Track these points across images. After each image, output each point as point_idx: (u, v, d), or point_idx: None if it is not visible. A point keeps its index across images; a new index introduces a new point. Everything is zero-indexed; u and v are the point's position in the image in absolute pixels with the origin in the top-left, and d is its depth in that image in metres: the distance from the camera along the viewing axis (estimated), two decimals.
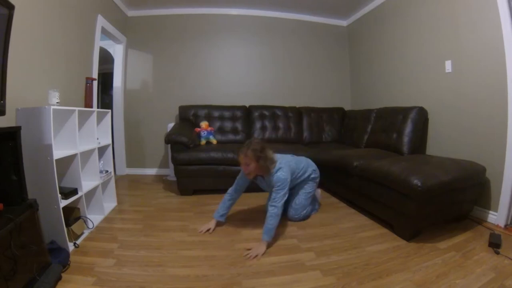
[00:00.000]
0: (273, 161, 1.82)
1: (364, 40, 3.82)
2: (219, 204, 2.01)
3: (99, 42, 2.94)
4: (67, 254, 1.52)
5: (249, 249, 1.62)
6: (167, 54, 3.81)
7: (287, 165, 1.90)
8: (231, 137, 3.49)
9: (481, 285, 1.29)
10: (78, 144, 1.84)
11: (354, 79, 4.14)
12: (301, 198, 2.14)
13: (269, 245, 1.68)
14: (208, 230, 1.92)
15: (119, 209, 2.43)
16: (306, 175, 2.14)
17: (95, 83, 2.62)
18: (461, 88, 2.31)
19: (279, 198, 1.76)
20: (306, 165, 2.17)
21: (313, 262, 1.54)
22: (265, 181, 1.93)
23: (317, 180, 2.25)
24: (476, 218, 2.08)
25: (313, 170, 2.22)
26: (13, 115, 1.56)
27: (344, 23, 4.24)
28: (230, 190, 2.01)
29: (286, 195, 1.81)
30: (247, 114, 3.66)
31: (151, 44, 3.81)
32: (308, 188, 2.18)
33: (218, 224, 2.00)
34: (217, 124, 3.51)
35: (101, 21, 2.93)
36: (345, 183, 2.49)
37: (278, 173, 1.82)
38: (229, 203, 2.00)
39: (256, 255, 1.57)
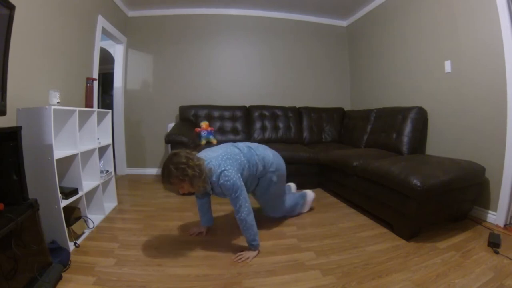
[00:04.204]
0: (202, 173, 1.48)
1: (364, 40, 3.82)
2: (198, 212, 1.90)
3: (100, 42, 2.94)
4: (67, 253, 1.53)
5: (241, 252, 1.61)
6: (167, 54, 3.82)
7: (227, 162, 1.57)
8: (231, 137, 3.49)
9: (481, 284, 1.29)
10: (79, 144, 1.84)
11: (354, 79, 4.14)
12: (270, 202, 1.95)
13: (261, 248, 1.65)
14: (200, 233, 1.88)
15: (120, 209, 2.43)
16: (264, 172, 1.79)
17: (95, 83, 2.62)
18: (461, 88, 2.31)
19: (241, 207, 1.53)
20: (261, 161, 1.78)
21: (313, 261, 1.55)
22: (213, 191, 1.65)
23: (275, 173, 1.85)
24: (476, 218, 2.08)
25: (272, 171, 1.83)
26: (14, 115, 1.56)
27: (344, 23, 4.24)
28: (196, 196, 1.85)
29: (247, 198, 1.57)
30: (247, 114, 3.66)
31: (152, 44, 3.82)
32: (272, 187, 1.87)
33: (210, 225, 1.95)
34: (217, 124, 3.52)
35: (101, 22, 2.93)
36: (345, 183, 2.49)
37: (222, 180, 1.51)
38: (205, 207, 1.87)
39: (247, 258, 1.55)
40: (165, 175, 1.49)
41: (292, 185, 2.46)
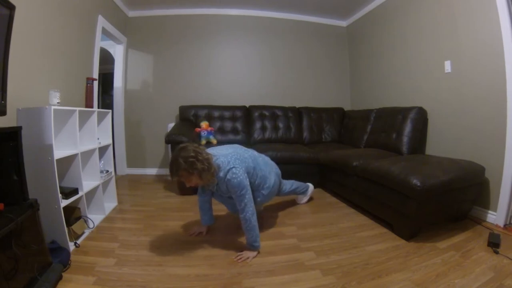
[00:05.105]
0: (211, 166, 1.50)
1: (363, 40, 3.82)
2: (199, 211, 1.89)
3: (100, 43, 2.94)
4: (67, 253, 1.53)
5: (241, 252, 1.61)
6: (167, 54, 3.82)
7: (236, 161, 1.58)
8: (231, 137, 3.50)
9: (480, 284, 1.29)
10: (79, 144, 1.84)
11: (354, 79, 4.14)
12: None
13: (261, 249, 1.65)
14: (200, 233, 1.89)
15: (120, 209, 2.43)
16: (260, 185, 1.76)
17: (95, 83, 2.62)
18: (461, 88, 2.32)
19: (246, 206, 1.53)
20: (267, 174, 1.79)
21: (313, 261, 1.55)
22: (218, 187, 1.65)
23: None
24: (475, 218, 2.09)
25: (267, 187, 1.79)
26: (14, 115, 1.56)
27: (343, 23, 4.25)
28: (198, 194, 1.87)
29: (252, 199, 1.57)
30: (247, 114, 3.66)
31: (152, 45, 3.82)
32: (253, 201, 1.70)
33: (211, 225, 1.95)
34: (217, 124, 3.52)
35: (101, 22, 2.94)
36: (345, 183, 2.49)
37: (229, 177, 1.52)
38: (206, 206, 1.88)
39: (247, 258, 1.56)
40: (174, 168, 1.49)
41: (310, 186, 2.52)
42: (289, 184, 2.25)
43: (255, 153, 1.88)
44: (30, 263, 1.22)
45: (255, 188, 1.76)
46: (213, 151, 1.66)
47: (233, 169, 1.54)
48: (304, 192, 2.45)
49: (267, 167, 1.85)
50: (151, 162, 3.89)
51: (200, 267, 1.49)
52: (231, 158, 1.60)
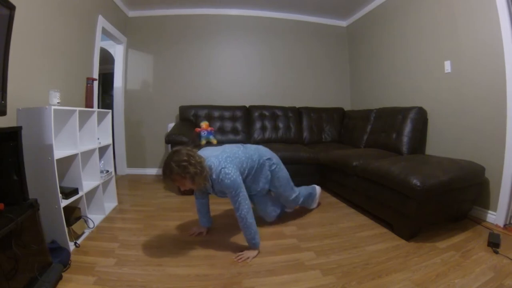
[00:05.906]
0: (203, 170, 1.49)
1: (363, 40, 3.82)
2: (197, 213, 1.91)
3: (100, 42, 2.94)
4: (68, 253, 1.53)
5: (241, 252, 1.61)
6: (167, 54, 3.82)
7: (227, 160, 1.59)
8: (231, 137, 3.50)
9: (480, 284, 1.29)
10: (79, 144, 1.85)
11: (354, 79, 4.15)
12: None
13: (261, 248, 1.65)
14: (200, 233, 1.89)
15: (120, 209, 2.43)
16: (261, 161, 1.82)
17: (95, 83, 2.62)
18: (460, 88, 2.32)
19: (241, 205, 1.54)
20: (256, 152, 1.83)
21: (313, 261, 1.55)
22: (213, 189, 1.65)
23: (274, 168, 1.89)
24: (475, 218, 2.09)
25: (267, 158, 1.87)
26: (14, 115, 1.56)
27: (343, 23, 4.25)
28: (195, 196, 1.88)
29: (246, 197, 1.58)
30: (247, 114, 3.66)
31: (152, 45, 3.82)
32: (276, 174, 1.90)
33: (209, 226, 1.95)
34: (217, 124, 3.52)
35: (101, 22, 2.94)
36: (345, 183, 2.49)
37: (221, 177, 1.52)
38: (205, 209, 1.89)
39: (247, 258, 1.56)
40: (167, 173, 1.49)
41: (317, 187, 2.43)
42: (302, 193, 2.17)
43: (240, 144, 1.91)
44: (30, 263, 1.22)
45: (262, 163, 1.81)
46: (203, 153, 1.66)
47: (225, 169, 1.53)
48: (314, 197, 2.35)
49: (253, 145, 1.91)
50: (151, 162, 3.89)
51: (200, 267, 1.49)
52: (221, 158, 1.60)
